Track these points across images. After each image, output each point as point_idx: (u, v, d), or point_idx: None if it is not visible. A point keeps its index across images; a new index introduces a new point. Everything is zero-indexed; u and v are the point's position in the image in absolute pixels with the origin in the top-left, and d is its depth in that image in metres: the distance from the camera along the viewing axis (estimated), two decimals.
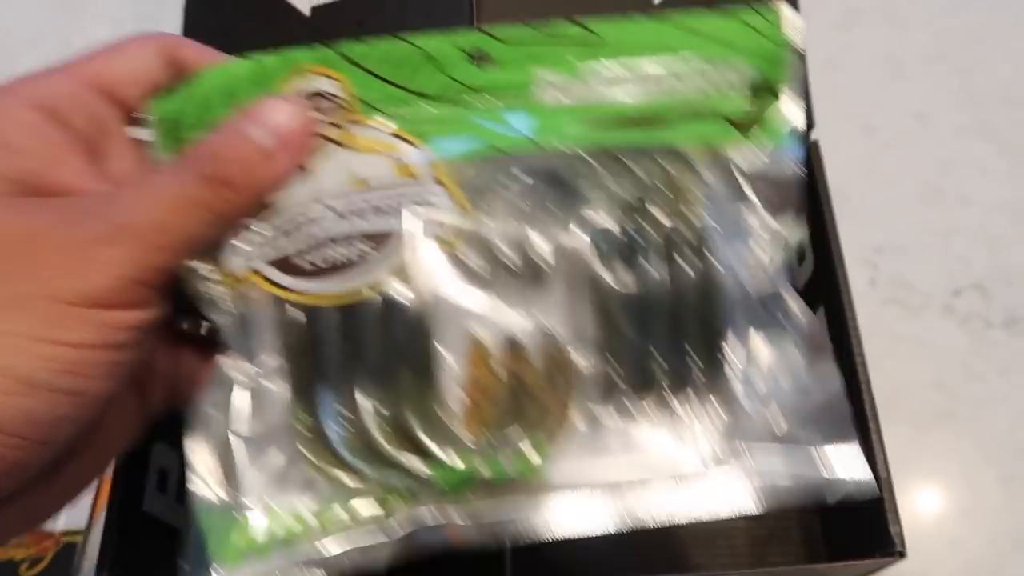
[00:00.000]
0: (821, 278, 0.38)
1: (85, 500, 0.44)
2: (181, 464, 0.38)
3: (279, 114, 0.24)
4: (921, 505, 0.41)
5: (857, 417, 0.35)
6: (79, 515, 0.40)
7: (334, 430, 0.26)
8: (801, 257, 0.40)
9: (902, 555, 0.31)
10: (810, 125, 0.38)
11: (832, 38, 0.54)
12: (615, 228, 0.26)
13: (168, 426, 0.40)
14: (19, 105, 0.23)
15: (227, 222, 0.24)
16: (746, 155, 0.26)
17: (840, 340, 0.36)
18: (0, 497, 0.22)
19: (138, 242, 0.22)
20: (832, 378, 0.27)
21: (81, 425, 0.23)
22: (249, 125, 0.24)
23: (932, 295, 0.46)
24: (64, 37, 0.56)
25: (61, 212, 0.22)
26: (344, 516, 0.25)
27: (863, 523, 0.34)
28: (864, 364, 0.35)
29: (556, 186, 0.26)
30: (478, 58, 0.25)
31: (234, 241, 0.25)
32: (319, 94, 0.25)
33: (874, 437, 0.34)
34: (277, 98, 0.25)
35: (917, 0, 0.55)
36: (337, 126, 0.25)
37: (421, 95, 0.26)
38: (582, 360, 0.26)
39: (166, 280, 0.23)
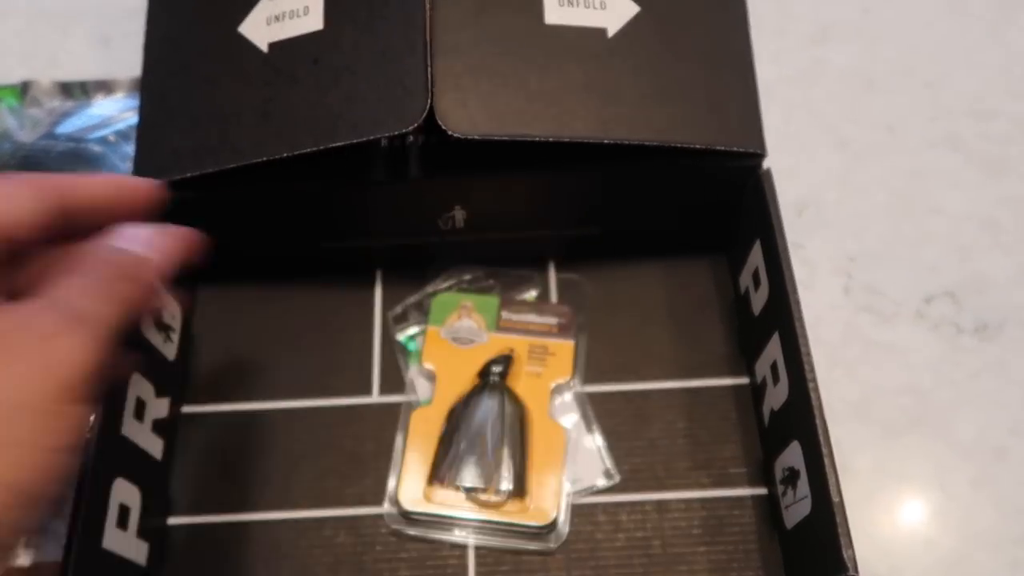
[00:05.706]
0: (775, 305, 0.39)
1: None
2: (142, 500, 0.38)
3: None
4: (894, 507, 0.43)
5: (811, 442, 0.36)
6: None
7: None
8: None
9: None
10: (762, 154, 0.39)
11: (806, 53, 0.56)
12: None
13: (129, 462, 0.38)
14: None
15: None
16: None
17: (794, 366, 0.37)
18: None
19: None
20: None
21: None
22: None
23: (904, 303, 0.48)
24: (51, 54, 0.57)
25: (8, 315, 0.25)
26: None
27: (819, 547, 0.34)
28: (816, 389, 0.35)
29: None
30: None
31: None
32: None
33: (826, 462, 0.34)
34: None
35: (887, 16, 0.57)
36: None
37: None
38: None
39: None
